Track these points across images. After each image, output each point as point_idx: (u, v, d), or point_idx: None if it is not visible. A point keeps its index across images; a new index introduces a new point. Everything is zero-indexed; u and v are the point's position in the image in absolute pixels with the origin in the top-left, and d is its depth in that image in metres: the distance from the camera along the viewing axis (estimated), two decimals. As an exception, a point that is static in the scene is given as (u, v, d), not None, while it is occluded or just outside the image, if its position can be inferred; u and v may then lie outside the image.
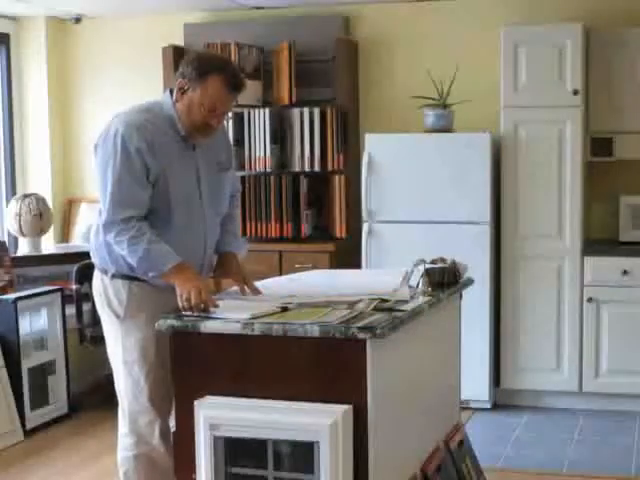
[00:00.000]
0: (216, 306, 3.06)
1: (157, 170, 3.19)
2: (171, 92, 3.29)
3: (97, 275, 3.38)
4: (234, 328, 2.87)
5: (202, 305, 3.03)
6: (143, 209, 3.19)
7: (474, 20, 5.90)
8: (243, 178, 5.91)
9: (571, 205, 5.43)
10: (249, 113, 5.89)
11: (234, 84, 3.23)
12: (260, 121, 5.86)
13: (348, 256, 5.76)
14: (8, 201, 6.29)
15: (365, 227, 5.63)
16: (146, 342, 3.26)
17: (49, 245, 6.42)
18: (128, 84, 6.48)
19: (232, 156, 3.53)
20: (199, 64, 3.19)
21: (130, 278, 3.26)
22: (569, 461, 4.70)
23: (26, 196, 6.05)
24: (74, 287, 5.54)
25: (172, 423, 3.21)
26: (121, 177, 3.15)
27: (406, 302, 3.13)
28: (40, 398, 5.38)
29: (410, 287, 3.37)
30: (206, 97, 3.17)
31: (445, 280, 3.52)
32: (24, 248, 6.08)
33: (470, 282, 3.75)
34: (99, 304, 3.38)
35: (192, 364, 2.95)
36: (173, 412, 3.11)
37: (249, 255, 5.67)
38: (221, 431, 2.83)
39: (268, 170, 5.91)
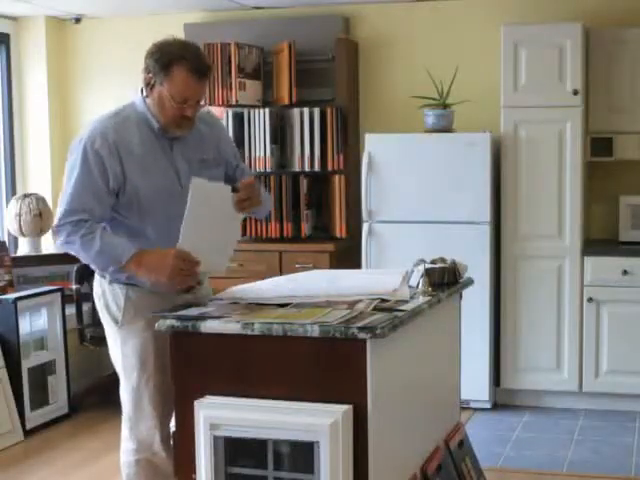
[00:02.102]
0: (197, 263, 3.06)
1: (120, 175, 3.11)
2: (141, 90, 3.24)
3: (97, 278, 3.34)
4: (234, 328, 2.87)
5: (192, 278, 3.09)
6: (98, 216, 3.14)
7: (474, 20, 5.91)
8: (243, 178, 5.92)
9: (571, 205, 5.43)
10: (249, 113, 5.89)
11: (200, 70, 3.10)
12: (260, 121, 5.86)
13: (348, 256, 5.76)
14: (8, 201, 6.30)
15: (365, 227, 5.63)
16: (144, 348, 3.24)
17: (49, 245, 6.42)
18: (128, 84, 6.45)
19: (226, 153, 3.41)
20: (160, 55, 3.08)
21: (127, 283, 3.23)
22: (569, 461, 4.70)
23: (26, 196, 6.06)
24: (74, 287, 5.54)
25: (172, 423, 3.21)
26: (77, 185, 3.12)
27: (406, 302, 3.13)
28: (40, 398, 5.38)
29: (410, 287, 3.37)
30: (174, 89, 3.08)
31: (445, 280, 3.52)
32: (24, 248, 6.08)
33: (470, 282, 3.75)
34: (99, 308, 3.35)
35: (192, 364, 2.95)
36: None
37: (249, 255, 5.73)
38: (221, 431, 2.83)
39: (268, 170, 5.91)
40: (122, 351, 3.27)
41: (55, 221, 3.17)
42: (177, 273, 3.06)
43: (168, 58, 3.07)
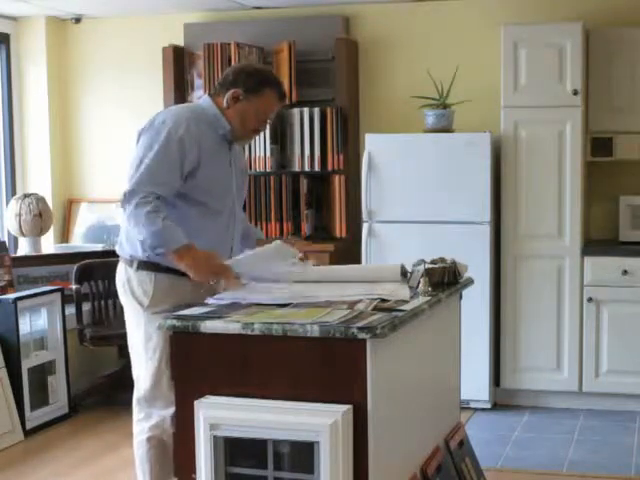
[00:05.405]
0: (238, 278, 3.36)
1: (195, 162, 3.40)
2: (209, 95, 3.57)
3: (121, 266, 3.56)
4: (234, 328, 2.87)
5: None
6: (167, 193, 3.37)
7: (474, 20, 5.91)
8: (243, 178, 5.92)
9: (571, 205, 5.43)
10: (249, 113, 5.89)
11: (284, 96, 3.62)
12: (260, 121, 5.85)
13: (348, 256, 5.76)
14: (8, 201, 6.30)
15: (365, 227, 5.63)
16: None
17: (49, 245, 6.42)
18: (128, 84, 6.48)
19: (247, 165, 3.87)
20: (258, 78, 3.51)
21: (155, 269, 3.43)
22: (569, 461, 4.70)
23: (26, 196, 6.06)
24: (74, 287, 5.54)
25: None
26: (158, 160, 3.35)
27: (406, 302, 3.13)
28: (40, 398, 5.37)
29: (410, 287, 3.37)
30: (261, 107, 3.52)
31: (445, 280, 3.52)
32: (24, 248, 6.08)
33: (470, 282, 3.75)
34: (121, 292, 3.56)
35: (192, 364, 2.96)
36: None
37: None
38: (221, 431, 2.83)
39: (268, 170, 5.91)
40: (146, 332, 3.44)
41: (129, 185, 3.35)
42: (209, 279, 3.35)
43: (264, 82, 3.52)
